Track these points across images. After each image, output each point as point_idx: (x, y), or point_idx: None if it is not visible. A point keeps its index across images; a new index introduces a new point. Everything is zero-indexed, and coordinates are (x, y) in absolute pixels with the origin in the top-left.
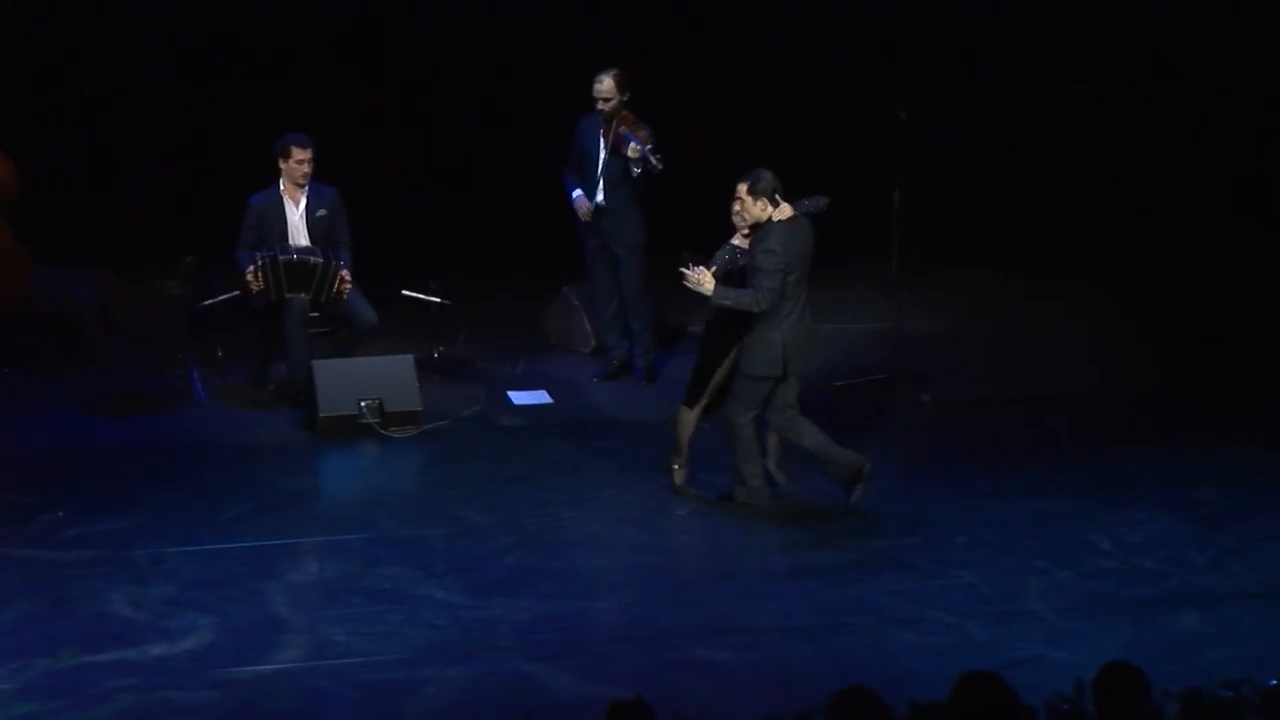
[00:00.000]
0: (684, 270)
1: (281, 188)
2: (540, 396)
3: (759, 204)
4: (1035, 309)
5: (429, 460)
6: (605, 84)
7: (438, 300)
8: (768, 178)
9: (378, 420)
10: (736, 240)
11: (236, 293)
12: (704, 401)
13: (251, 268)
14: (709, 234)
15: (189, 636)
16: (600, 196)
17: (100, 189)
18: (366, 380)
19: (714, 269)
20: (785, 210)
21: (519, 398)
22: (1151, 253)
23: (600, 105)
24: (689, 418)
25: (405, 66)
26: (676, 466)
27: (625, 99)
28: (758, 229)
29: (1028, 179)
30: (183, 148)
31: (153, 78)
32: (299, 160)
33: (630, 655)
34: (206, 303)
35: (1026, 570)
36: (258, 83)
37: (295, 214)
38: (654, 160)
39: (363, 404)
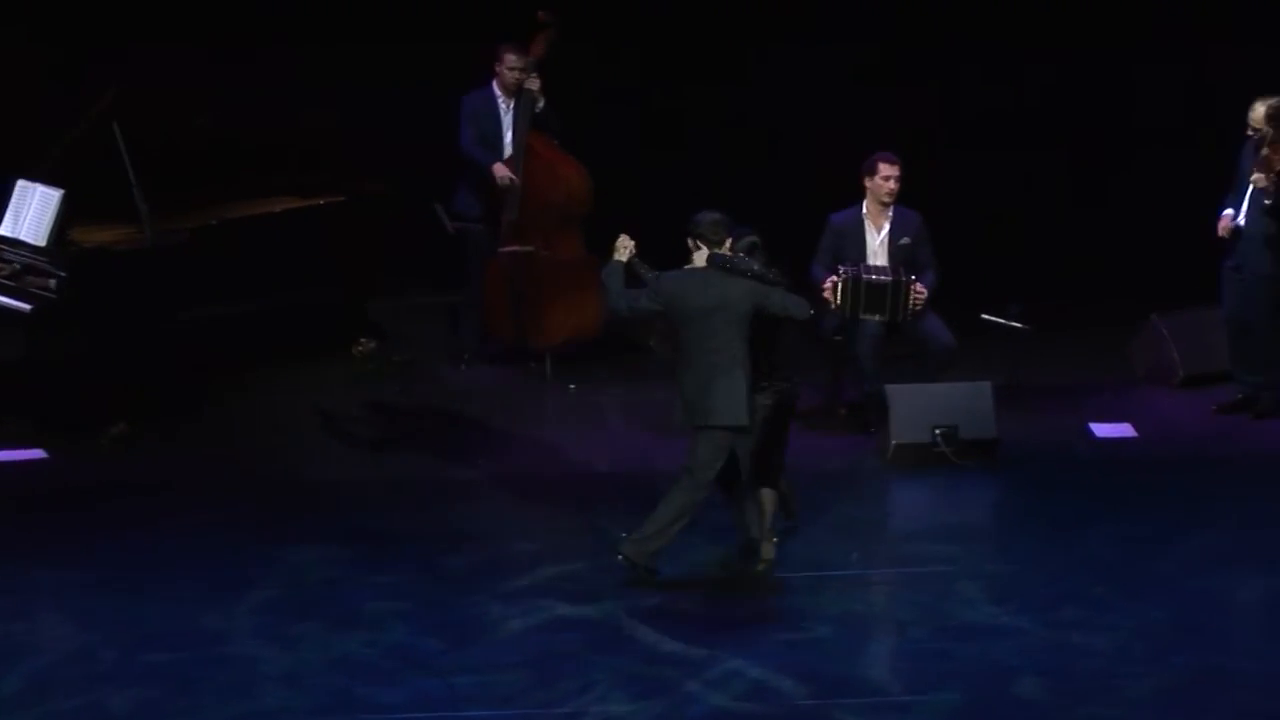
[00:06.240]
0: None
1: (864, 209)
2: (1124, 429)
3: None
4: None
5: (1003, 493)
6: (1258, 112)
7: (1017, 325)
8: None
9: (952, 449)
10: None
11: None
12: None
13: (831, 281)
14: None
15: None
16: (1241, 219)
17: None
18: (942, 407)
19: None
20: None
21: (1101, 430)
22: None
23: (1249, 132)
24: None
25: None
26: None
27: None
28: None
29: None
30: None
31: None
32: (885, 177)
33: None
34: None
35: None
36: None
37: (876, 238)
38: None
39: (937, 431)
